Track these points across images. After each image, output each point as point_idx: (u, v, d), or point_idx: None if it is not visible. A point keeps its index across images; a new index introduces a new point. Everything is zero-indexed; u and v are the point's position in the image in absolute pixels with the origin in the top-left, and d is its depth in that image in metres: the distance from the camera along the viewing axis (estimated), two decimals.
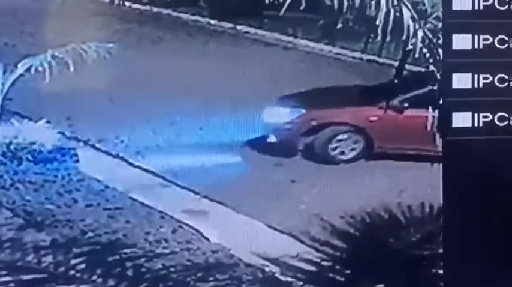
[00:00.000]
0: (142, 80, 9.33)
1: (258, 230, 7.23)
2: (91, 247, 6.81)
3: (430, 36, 6.24)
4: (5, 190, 7.59)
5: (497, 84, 5.47)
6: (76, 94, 8.70)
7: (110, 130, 8.78)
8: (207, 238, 7.06)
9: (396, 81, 7.68)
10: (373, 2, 6.24)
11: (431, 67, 6.28)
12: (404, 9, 6.24)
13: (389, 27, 6.27)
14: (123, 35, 9.44)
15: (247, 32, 10.73)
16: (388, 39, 6.48)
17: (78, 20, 9.00)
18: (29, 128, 8.39)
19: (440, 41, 5.90)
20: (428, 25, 6.29)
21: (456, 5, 5.54)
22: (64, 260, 6.54)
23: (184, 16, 10.91)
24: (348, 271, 6.72)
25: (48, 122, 8.59)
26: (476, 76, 5.52)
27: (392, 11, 6.23)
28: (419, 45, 6.30)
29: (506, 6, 5.49)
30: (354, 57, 9.76)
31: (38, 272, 6.43)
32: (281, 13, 6.48)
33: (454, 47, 5.53)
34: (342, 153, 8.02)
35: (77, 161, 8.14)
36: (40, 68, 8.17)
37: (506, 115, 5.45)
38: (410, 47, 6.39)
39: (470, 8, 5.51)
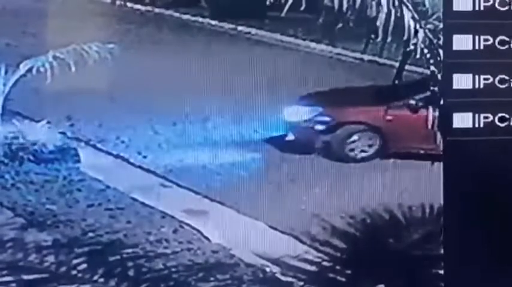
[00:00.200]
0: (143, 80, 9.33)
1: (258, 230, 7.24)
2: (92, 247, 6.82)
3: (431, 36, 6.24)
4: (7, 190, 7.60)
5: (498, 84, 5.48)
6: (77, 94, 8.71)
7: (111, 130, 8.79)
8: (207, 238, 7.07)
9: (397, 81, 7.71)
10: (374, 3, 6.24)
11: (432, 68, 6.29)
12: (405, 10, 6.24)
13: (390, 28, 6.27)
14: (124, 35, 9.45)
15: (248, 33, 10.74)
16: (388, 39, 6.49)
17: (80, 21, 9.01)
18: (31, 128, 8.41)
19: (441, 42, 5.90)
20: (429, 26, 6.29)
21: (457, 6, 5.54)
22: (66, 260, 6.55)
23: (185, 17, 10.93)
24: (348, 271, 6.72)
25: (49, 122, 8.61)
26: (476, 77, 5.52)
27: (393, 11, 6.24)
28: (420, 45, 6.31)
29: (506, 7, 5.49)
30: (354, 58, 9.77)
31: (39, 272, 6.44)
32: (283, 14, 6.49)
33: (454, 47, 5.53)
34: (358, 151, 8.18)
35: (78, 161, 8.15)
36: (41, 69, 8.19)
37: (507, 116, 5.45)
38: (411, 47, 6.39)
39: (470, 8, 5.52)
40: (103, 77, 8.58)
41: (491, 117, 5.49)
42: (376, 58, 8.63)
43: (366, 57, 9.02)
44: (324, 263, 6.78)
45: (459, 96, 5.49)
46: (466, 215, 5.48)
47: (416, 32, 6.30)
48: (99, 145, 8.56)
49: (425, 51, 6.31)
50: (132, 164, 8.28)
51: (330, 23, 7.26)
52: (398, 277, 6.52)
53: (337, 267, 6.80)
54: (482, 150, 5.48)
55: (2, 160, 7.97)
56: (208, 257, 6.83)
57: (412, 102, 7.46)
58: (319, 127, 8.11)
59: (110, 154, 8.46)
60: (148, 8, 10.59)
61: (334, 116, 8.13)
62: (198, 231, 7.16)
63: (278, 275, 6.66)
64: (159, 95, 9.15)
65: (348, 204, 7.38)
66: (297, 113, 8.28)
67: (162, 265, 6.66)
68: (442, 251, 5.61)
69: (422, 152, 7.36)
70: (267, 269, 6.71)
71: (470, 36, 5.52)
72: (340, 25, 7.05)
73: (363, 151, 8.13)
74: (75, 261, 6.55)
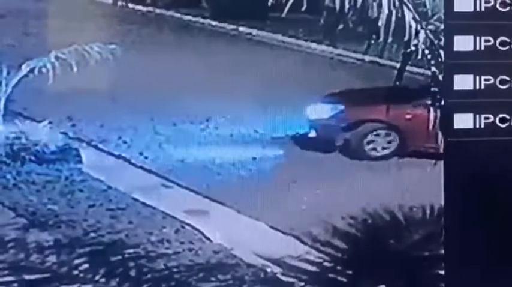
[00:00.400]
0: (145, 81, 9.34)
1: (259, 230, 7.25)
2: (94, 247, 6.83)
3: (432, 37, 6.24)
4: (8, 190, 7.61)
5: (499, 85, 5.48)
6: (79, 95, 8.72)
7: (112, 131, 8.80)
8: (208, 238, 7.08)
9: (398, 82, 7.71)
10: (375, 4, 6.24)
11: (433, 68, 6.29)
12: (406, 11, 6.24)
13: (391, 29, 6.27)
14: (125, 36, 9.46)
15: (249, 34, 10.75)
16: (390, 40, 6.49)
17: (81, 22, 9.03)
18: (32, 129, 8.41)
19: (442, 43, 5.90)
20: (430, 26, 6.29)
21: (458, 7, 5.54)
22: (67, 260, 6.55)
23: (187, 17, 10.94)
24: (349, 272, 6.73)
25: (51, 122, 8.62)
26: (477, 77, 5.52)
27: (394, 12, 6.24)
28: (421, 46, 6.31)
29: (507, 8, 5.50)
30: (355, 59, 9.78)
31: (41, 272, 6.44)
32: (283, 15, 6.49)
33: (455, 48, 5.53)
34: (377, 149, 8.27)
35: (80, 161, 8.17)
36: (43, 69, 8.20)
37: (508, 117, 5.46)
38: (412, 48, 6.39)
39: (471, 9, 5.52)
40: (104, 77, 8.60)
41: (492, 118, 5.49)
42: (377, 59, 8.65)
43: (367, 58, 9.03)
44: (325, 263, 6.79)
45: (460, 97, 5.48)
46: (467, 215, 5.48)
47: (417, 33, 6.30)
48: (100, 146, 8.57)
49: (427, 52, 6.31)
50: (133, 164, 8.30)
51: (331, 24, 7.26)
52: (399, 277, 6.53)
53: (338, 267, 6.80)
54: (483, 151, 5.48)
55: (4, 160, 7.98)
56: (209, 257, 6.84)
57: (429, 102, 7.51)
58: (340, 125, 8.26)
59: (111, 154, 8.47)
60: (150, 8, 10.60)
61: (355, 114, 8.28)
62: (200, 231, 7.17)
63: (279, 276, 6.67)
64: (160, 96, 9.16)
65: (349, 205, 7.39)
66: (320, 111, 8.41)
67: (164, 265, 6.67)
68: (442, 251, 5.61)
69: (440, 151, 7.38)
70: (268, 270, 6.72)
71: (471, 37, 5.52)
72: (341, 26, 7.04)
73: (381, 148, 8.28)
74: (76, 261, 6.56)
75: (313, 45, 10.15)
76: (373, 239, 7.17)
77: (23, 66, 8.29)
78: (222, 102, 8.87)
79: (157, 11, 10.55)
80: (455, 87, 5.57)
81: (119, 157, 8.44)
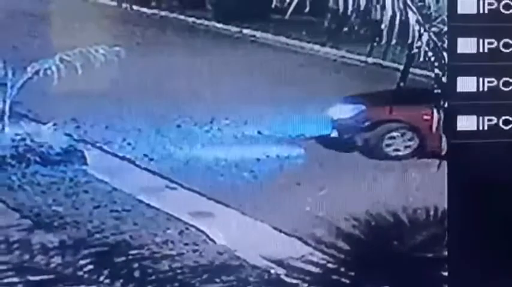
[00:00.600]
0: (149, 82, 9.37)
1: (263, 232, 7.25)
2: (98, 249, 6.84)
3: (435, 39, 6.24)
4: (13, 192, 7.64)
5: (502, 87, 5.49)
6: (83, 97, 8.75)
7: (117, 133, 8.82)
8: (212, 240, 7.09)
9: (401, 84, 7.74)
10: (378, 6, 6.24)
11: (436, 71, 6.30)
12: (410, 13, 6.25)
13: (395, 31, 6.28)
14: (130, 38, 9.48)
15: (253, 36, 10.76)
16: (393, 42, 6.49)
17: (86, 24, 9.05)
18: (37, 131, 8.44)
19: (445, 45, 5.91)
20: (433, 29, 6.29)
21: (461, 9, 5.55)
22: (72, 261, 6.57)
23: (190, 19, 10.95)
24: (353, 273, 6.74)
25: (56, 124, 8.64)
26: (481, 79, 5.53)
27: (397, 14, 6.24)
28: (425, 48, 6.31)
29: (511, 10, 5.51)
30: (359, 61, 9.78)
31: (46, 273, 6.46)
32: (286, 16, 6.50)
33: (459, 50, 5.54)
34: (395, 149, 8.32)
35: (85, 163, 8.19)
36: (48, 71, 8.23)
37: (511, 118, 5.47)
38: (416, 50, 6.40)
39: (475, 11, 5.53)
40: (109, 79, 8.62)
41: (495, 120, 5.50)
42: (380, 61, 8.66)
43: (370, 60, 9.04)
44: (329, 265, 6.79)
45: (463, 99, 5.50)
46: (470, 217, 5.49)
47: (420, 35, 6.30)
48: (105, 147, 8.60)
49: (430, 54, 6.32)
50: (138, 166, 8.32)
51: (335, 26, 7.28)
52: (403, 279, 6.54)
53: (342, 269, 6.81)
54: (486, 152, 5.49)
55: (9, 161, 8.01)
56: (213, 258, 6.85)
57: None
58: (361, 125, 8.37)
59: (116, 156, 8.49)
60: (154, 11, 10.62)
61: (375, 114, 8.36)
62: (204, 233, 7.18)
63: (283, 277, 6.68)
64: (164, 97, 9.18)
65: (353, 206, 7.40)
66: (341, 111, 8.51)
67: (168, 267, 6.68)
68: (446, 253, 5.62)
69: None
70: (272, 271, 6.73)
71: (475, 39, 5.54)
72: (344, 28, 7.06)
73: (400, 148, 8.35)
74: (81, 262, 6.57)
75: (317, 47, 10.16)
76: (376, 241, 7.18)
77: (28, 68, 8.32)
78: (226, 103, 8.89)
79: (162, 13, 10.57)
80: (459, 89, 5.58)
81: (123, 158, 8.46)
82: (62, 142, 8.29)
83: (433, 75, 6.44)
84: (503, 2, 5.50)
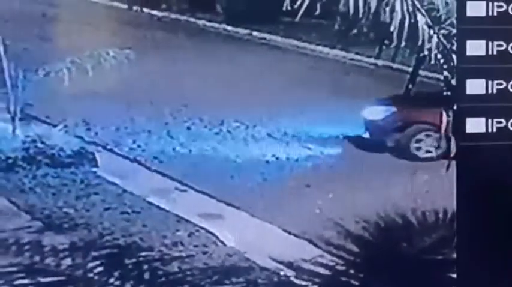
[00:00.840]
0: (159, 85, 9.41)
1: (273, 234, 7.27)
2: (108, 250, 6.87)
3: (445, 42, 6.24)
4: (25, 194, 7.68)
5: (511, 90, 5.48)
6: (94, 99, 8.80)
7: (127, 135, 8.86)
8: (222, 242, 7.10)
9: (410, 86, 7.75)
10: (388, 9, 6.25)
11: (446, 73, 6.29)
12: (419, 16, 6.25)
13: (404, 34, 6.28)
14: (140, 41, 9.54)
15: (262, 38, 10.79)
16: (402, 45, 6.50)
17: (97, 27, 9.11)
18: (48, 133, 8.49)
19: (454, 47, 5.91)
20: (442, 31, 6.29)
21: (470, 11, 5.54)
22: (82, 263, 6.59)
23: (201, 22, 10.99)
24: (362, 275, 6.74)
25: (66, 126, 8.69)
26: (490, 82, 5.51)
27: (407, 17, 6.24)
28: (434, 51, 6.31)
29: None
30: (368, 63, 9.80)
31: (56, 274, 6.48)
32: (297, 19, 6.52)
33: (468, 53, 5.52)
34: (424, 151, 8.48)
35: (95, 165, 8.22)
36: (59, 74, 8.27)
37: None
38: (425, 53, 6.40)
39: (484, 14, 5.52)
40: (119, 82, 8.67)
41: (504, 123, 5.49)
42: (390, 63, 8.68)
43: (380, 62, 9.06)
44: (338, 267, 6.79)
45: (472, 102, 5.49)
46: (479, 219, 5.49)
47: (430, 37, 6.30)
48: (115, 149, 8.64)
49: (439, 56, 6.31)
50: (148, 168, 8.35)
51: (344, 29, 7.29)
52: (412, 281, 6.53)
53: (351, 271, 6.81)
54: (495, 155, 5.48)
55: (20, 163, 8.06)
56: (223, 260, 6.86)
57: None
58: (392, 126, 8.57)
59: (126, 158, 8.53)
60: (165, 13, 10.68)
61: (406, 116, 8.53)
62: (213, 234, 7.19)
63: (292, 279, 6.68)
64: (174, 100, 9.21)
65: (362, 208, 7.41)
66: (374, 113, 8.69)
67: (178, 268, 6.70)
68: (455, 255, 5.62)
69: None
70: (281, 273, 6.73)
71: (484, 41, 5.52)
72: (354, 31, 7.07)
73: (428, 150, 8.42)
74: (91, 264, 6.59)
75: (326, 49, 10.18)
76: (385, 243, 7.18)
77: (39, 71, 8.37)
78: (235, 106, 8.92)
79: (172, 15, 10.62)
80: (468, 92, 5.57)
81: (133, 160, 8.50)
82: (72, 144, 8.33)
83: (442, 77, 6.43)
84: None
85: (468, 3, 5.58)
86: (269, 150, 8.70)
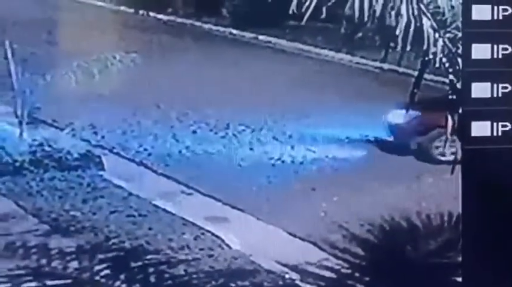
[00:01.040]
0: (165, 89, 9.43)
1: (278, 237, 7.28)
2: (115, 253, 6.89)
3: (450, 45, 6.24)
4: (32, 197, 7.71)
5: None
6: (101, 103, 8.83)
7: (133, 138, 8.89)
8: (228, 245, 7.12)
9: (415, 90, 7.74)
10: (393, 12, 6.26)
11: (451, 76, 6.30)
12: (425, 19, 6.25)
13: (410, 37, 6.29)
14: (147, 45, 9.57)
15: (268, 42, 10.82)
16: (408, 48, 6.51)
17: (103, 31, 9.15)
18: (55, 136, 8.53)
19: (459, 51, 5.91)
20: (448, 35, 6.29)
21: (475, 15, 5.55)
22: (89, 266, 6.62)
23: (207, 26, 11.02)
24: (367, 279, 6.75)
25: (73, 130, 8.73)
26: (495, 85, 5.53)
27: (412, 21, 6.25)
28: (439, 54, 6.31)
29: None
30: (374, 67, 9.81)
31: (63, 277, 6.51)
32: (303, 23, 6.53)
33: (473, 56, 5.54)
34: (443, 154, 8.47)
35: (102, 168, 8.26)
36: (66, 78, 8.31)
37: None
38: (430, 56, 6.40)
39: (489, 17, 5.53)
40: (126, 86, 8.70)
41: (509, 126, 5.50)
42: (395, 67, 8.69)
43: (386, 66, 9.07)
44: (343, 270, 6.80)
45: (478, 105, 5.50)
46: (484, 222, 5.50)
47: (435, 41, 6.31)
48: (122, 153, 8.66)
49: (444, 60, 6.32)
50: (154, 171, 8.38)
51: (350, 32, 7.31)
52: (417, 284, 6.54)
53: (356, 274, 6.82)
54: (500, 158, 5.49)
55: (28, 167, 8.09)
56: (228, 263, 6.88)
57: None
58: (415, 129, 8.73)
59: (132, 161, 8.56)
60: (171, 17, 10.71)
61: (429, 119, 8.58)
62: (219, 238, 7.21)
63: (297, 282, 6.69)
64: (180, 103, 9.24)
65: (367, 211, 7.42)
66: (398, 116, 8.79)
67: (183, 271, 6.72)
68: (460, 258, 5.63)
69: None
70: (287, 276, 6.75)
71: (489, 45, 5.54)
72: (359, 34, 7.08)
73: (448, 153, 8.46)
74: (97, 267, 6.61)
75: (332, 53, 10.20)
76: (391, 246, 7.19)
77: (46, 75, 8.41)
78: (241, 109, 8.94)
79: (178, 19, 10.65)
80: (473, 95, 5.58)
81: (139, 163, 8.52)
82: (79, 148, 8.36)
83: (447, 81, 6.44)
84: None
85: (473, 6, 5.60)
86: (274, 153, 8.72)
